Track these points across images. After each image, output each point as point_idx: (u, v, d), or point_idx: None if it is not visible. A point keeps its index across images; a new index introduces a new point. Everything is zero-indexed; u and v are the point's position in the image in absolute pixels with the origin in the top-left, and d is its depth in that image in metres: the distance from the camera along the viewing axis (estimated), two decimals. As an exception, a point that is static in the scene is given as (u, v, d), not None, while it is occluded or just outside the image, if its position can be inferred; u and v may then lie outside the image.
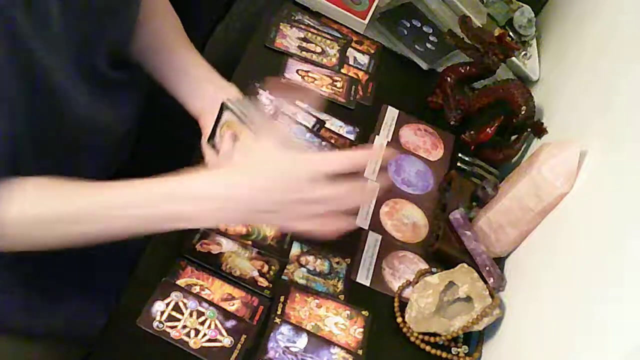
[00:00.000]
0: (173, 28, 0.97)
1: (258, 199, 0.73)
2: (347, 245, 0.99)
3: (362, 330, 0.90)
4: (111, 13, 0.81)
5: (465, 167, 1.16)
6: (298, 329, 0.87)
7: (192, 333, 0.81)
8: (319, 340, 0.87)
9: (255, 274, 0.90)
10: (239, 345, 0.82)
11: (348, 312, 0.91)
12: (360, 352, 0.88)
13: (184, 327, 0.82)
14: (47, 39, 0.70)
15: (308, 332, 0.87)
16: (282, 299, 0.89)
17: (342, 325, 0.90)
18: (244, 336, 0.83)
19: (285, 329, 0.86)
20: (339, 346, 0.87)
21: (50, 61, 0.72)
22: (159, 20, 0.95)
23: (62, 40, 0.73)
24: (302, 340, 0.86)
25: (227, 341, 0.82)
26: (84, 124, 0.82)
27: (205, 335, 0.82)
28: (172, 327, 0.81)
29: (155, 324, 0.81)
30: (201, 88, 0.90)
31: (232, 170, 0.77)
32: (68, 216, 0.73)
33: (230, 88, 0.91)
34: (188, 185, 0.74)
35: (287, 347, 0.85)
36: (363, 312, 0.92)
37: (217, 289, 0.86)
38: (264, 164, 0.75)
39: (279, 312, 0.87)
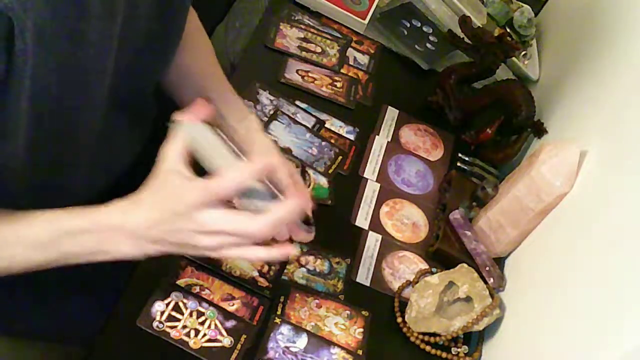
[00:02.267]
0: (204, 58, 0.96)
1: (151, 230, 0.71)
2: (347, 245, 0.99)
3: (362, 330, 0.90)
4: (156, 42, 0.80)
5: (465, 167, 1.16)
6: (298, 329, 0.87)
7: (192, 333, 0.81)
8: (319, 340, 0.87)
9: (255, 274, 0.90)
10: (238, 346, 0.82)
11: (348, 312, 0.91)
12: (360, 352, 0.88)
13: (184, 327, 0.82)
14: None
15: (308, 332, 0.87)
16: (282, 299, 0.89)
17: (342, 325, 0.90)
18: (244, 336, 0.83)
19: (285, 329, 0.86)
20: (339, 346, 0.87)
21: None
22: (191, 49, 0.93)
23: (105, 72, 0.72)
24: (302, 340, 0.86)
25: (227, 341, 0.82)
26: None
27: (205, 335, 0.82)
28: (172, 327, 0.81)
29: (155, 324, 0.81)
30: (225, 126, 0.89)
31: (132, 200, 0.73)
32: None
33: (251, 117, 0.91)
34: (90, 218, 0.72)
35: (287, 347, 0.85)
36: (363, 312, 0.92)
37: (217, 289, 0.86)
38: (159, 194, 0.71)
39: (279, 312, 0.87)
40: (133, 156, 0.92)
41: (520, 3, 1.45)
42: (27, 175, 0.73)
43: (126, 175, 0.92)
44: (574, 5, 1.35)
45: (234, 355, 0.81)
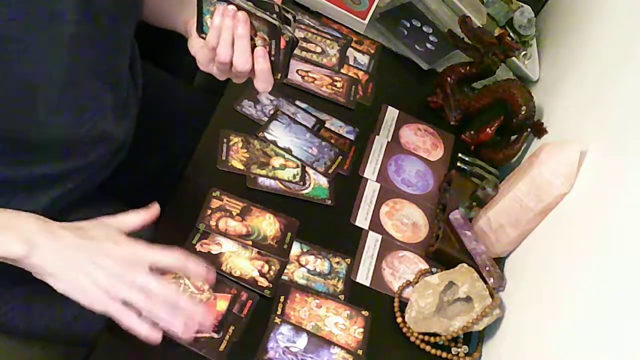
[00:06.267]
0: None
1: (60, 249, 0.74)
2: (347, 245, 0.99)
3: (362, 330, 0.90)
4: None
5: (465, 167, 1.16)
6: (298, 329, 0.87)
7: None
8: (319, 340, 0.87)
9: (255, 274, 0.90)
10: (227, 337, 0.82)
11: (348, 312, 0.91)
12: (360, 352, 0.88)
13: None
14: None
15: (308, 332, 0.87)
16: (282, 298, 0.89)
17: (342, 325, 0.90)
18: (232, 327, 0.83)
19: (285, 329, 0.86)
20: (339, 346, 0.87)
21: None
22: None
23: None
24: (302, 340, 0.86)
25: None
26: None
27: None
28: None
29: None
30: (189, 4, 0.89)
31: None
32: None
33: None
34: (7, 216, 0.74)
35: (287, 347, 0.85)
36: (363, 312, 0.92)
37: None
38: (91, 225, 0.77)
39: (278, 312, 0.87)
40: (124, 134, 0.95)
41: (520, 3, 1.45)
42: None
43: (119, 151, 0.95)
44: (574, 5, 1.35)
45: (222, 345, 0.81)
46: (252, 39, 0.81)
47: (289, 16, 0.79)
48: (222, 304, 0.85)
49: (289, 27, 0.79)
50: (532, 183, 0.97)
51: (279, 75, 0.83)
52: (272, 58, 0.82)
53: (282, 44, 0.80)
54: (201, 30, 0.84)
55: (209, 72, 0.86)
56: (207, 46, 0.82)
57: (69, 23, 0.73)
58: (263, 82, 0.82)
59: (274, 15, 0.78)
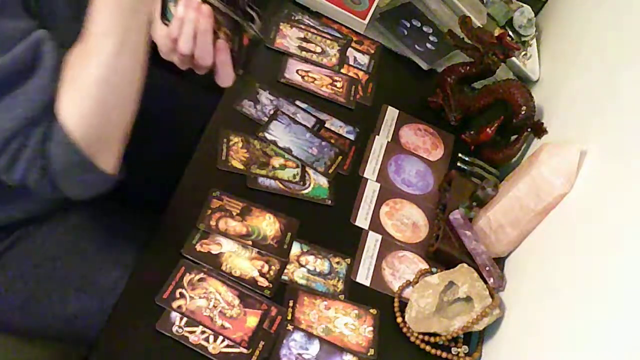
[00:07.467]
0: None
1: None
2: (347, 245, 0.99)
3: (372, 328, 0.90)
4: None
5: (465, 167, 1.16)
6: (310, 335, 0.86)
7: (211, 338, 0.81)
8: (331, 347, 0.86)
9: (255, 274, 0.90)
10: (257, 352, 0.82)
11: (356, 311, 0.91)
12: (372, 351, 0.88)
13: (203, 332, 0.82)
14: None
15: (320, 339, 0.87)
16: (290, 303, 0.89)
17: (352, 325, 0.90)
18: (262, 342, 0.83)
19: (297, 335, 0.86)
20: (351, 352, 0.87)
21: None
22: None
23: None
24: (314, 347, 0.86)
25: (244, 349, 0.82)
26: None
27: (224, 340, 0.82)
28: (191, 332, 0.81)
29: (174, 328, 0.81)
30: None
31: None
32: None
33: None
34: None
35: (300, 354, 0.84)
36: (371, 311, 0.92)
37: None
38: None
39: (289, 317, 0.87)
40: None
41: (520, 3, 1.45)
42: None
43: None
44: (574, 5, 1.35)
45: None
46: (215, 33, 0.80)
47: (253, 14, 0.79)
48: (252, 319, 0.85)
49: (252, 25, 0.78)
50: (532, 183, 0.97)
51: (240, 71, 0.83)
52: (234, 54, 0.81)
53: (245, 41, 0.80)
54: (165, 16, 0.82)
55: (171, 61, 0.85)
56: (169, 36, 0.81)
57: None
58: (223, 76, 0.82)
59: (238, 12, 0.78)
